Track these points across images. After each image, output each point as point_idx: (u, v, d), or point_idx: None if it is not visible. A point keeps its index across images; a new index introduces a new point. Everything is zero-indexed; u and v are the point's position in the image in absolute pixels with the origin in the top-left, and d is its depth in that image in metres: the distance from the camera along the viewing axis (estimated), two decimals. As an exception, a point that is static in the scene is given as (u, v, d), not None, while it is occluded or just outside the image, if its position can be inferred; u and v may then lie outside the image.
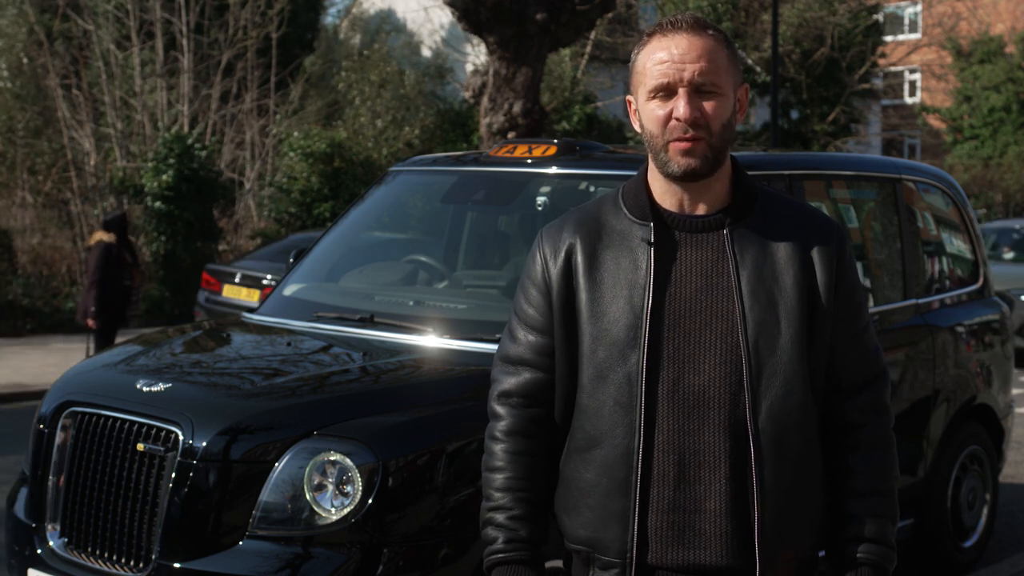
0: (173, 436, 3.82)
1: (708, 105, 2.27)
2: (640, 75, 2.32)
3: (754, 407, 2.26)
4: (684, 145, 2.26)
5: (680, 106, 2.26)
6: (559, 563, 2.49)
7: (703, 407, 2.27)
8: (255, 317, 5.04)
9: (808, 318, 2.31)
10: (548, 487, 2.43)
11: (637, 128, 2.37)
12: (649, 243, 2.32)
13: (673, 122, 2.27)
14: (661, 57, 2.28)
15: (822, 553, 2.42)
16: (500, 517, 2.38)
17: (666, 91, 2.28)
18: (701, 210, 2.34)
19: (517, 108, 12.57)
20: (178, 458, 3.78)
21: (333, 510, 3.68)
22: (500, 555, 2.37)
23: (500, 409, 2.43)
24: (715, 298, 2.29)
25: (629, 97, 2.40)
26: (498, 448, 2.41)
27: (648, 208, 2.34)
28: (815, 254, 2.34)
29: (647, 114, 2.31)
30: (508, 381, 2.43)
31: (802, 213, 2.41)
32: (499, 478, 2.39)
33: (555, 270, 2.38)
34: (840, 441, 2.38)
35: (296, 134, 19.62)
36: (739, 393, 2.26)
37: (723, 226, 2.33)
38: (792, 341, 2.28)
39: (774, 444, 2.27)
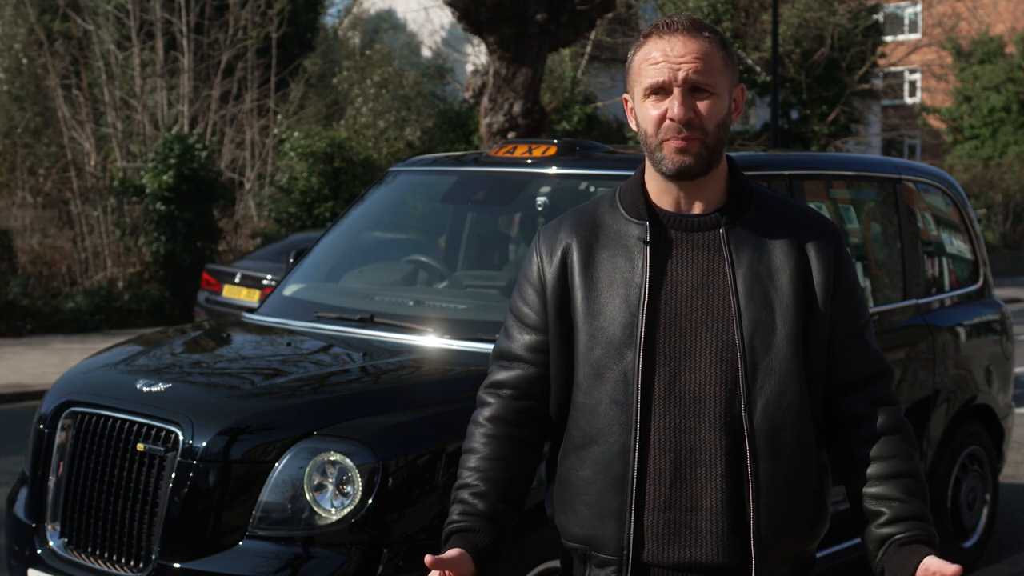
0: (173, 436, 3.83)
1: (702, 105, 2.29)
2: (636, 75, 2.34)
3: (749, 405, 2.27)
4: (679, 143, 2.28)
5: (674, 106, 2.28)
6: (556, 563, 2.49)
7: (699, 405, 2.28)
8: (255, 317, 5.05)
9: (804, 317, 2.32)
10: (522, 472, 2.41)
11: (633, 127, 2.40)
12: (645, 242, 2.33)
13: (667, 122, 2.28)
14: (656, 57, 2.29)
15: (820, 554, 2.42)
16: (463, 494, 2.39)
17: (661, 90, 2.29)
18: (697, 209, 2.36)
19: (517, 108, 12.58)
20: (178, 458, 3.78)
21: (333, 510, 3.69)
22: (451, 525, 2.38)
23: (488, 398, 2.45)
24: (711, 296, 2.31)
25: (626, 96, 2.42)
26: (477, 432, 2.43)
27: (644, 207, 2.36)
28: (811, 253, 2.35)
29: (642, 113, 2.33)
30: (500, 374, 2.45)
31: (799, 213, 2.42)
32: (471, 459, 2.41)
33: (551, 269, 2.40)
34: (853, 435, 2.37)
35: (296, 134, 19.62)
36: (735, 391, 2.27)
37: (719, 225, 2.34)
38: (787, 339, 2.29)
39: (769, 442, 2.28)
